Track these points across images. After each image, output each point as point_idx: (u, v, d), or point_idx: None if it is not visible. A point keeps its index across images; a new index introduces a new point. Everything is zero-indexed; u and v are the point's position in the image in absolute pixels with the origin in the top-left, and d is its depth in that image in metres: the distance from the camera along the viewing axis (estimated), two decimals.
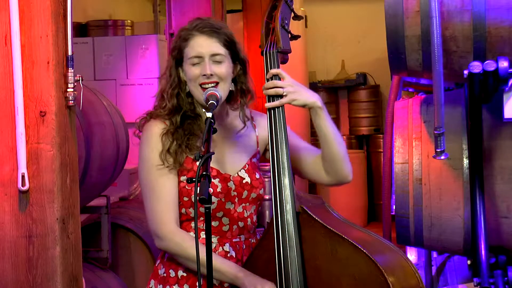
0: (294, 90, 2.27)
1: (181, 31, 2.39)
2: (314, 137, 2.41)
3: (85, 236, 2.97)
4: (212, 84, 2.31)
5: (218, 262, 2.25)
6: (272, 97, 2.29)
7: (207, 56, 2.32)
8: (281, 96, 2.27)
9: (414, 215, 3.47)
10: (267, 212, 4.90)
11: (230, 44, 2.36)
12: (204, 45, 2.33)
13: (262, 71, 2.34)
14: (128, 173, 4.99)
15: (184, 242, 2.29)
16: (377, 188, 8.34)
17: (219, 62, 2.33)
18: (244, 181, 2.39)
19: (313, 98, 2.28)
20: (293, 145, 2.40)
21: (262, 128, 2.48)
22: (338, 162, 2.35)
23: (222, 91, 2.31)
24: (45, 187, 2.57)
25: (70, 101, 2.60)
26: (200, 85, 2.32)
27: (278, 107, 2.28)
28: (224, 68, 2.33)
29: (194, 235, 1.99)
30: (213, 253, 2.24)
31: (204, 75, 2.30)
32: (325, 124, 2.30)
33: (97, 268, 3.98)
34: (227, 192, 2.36)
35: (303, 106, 2.28)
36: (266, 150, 2.50)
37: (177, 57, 2.38)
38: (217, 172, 2.36)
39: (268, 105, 2.28)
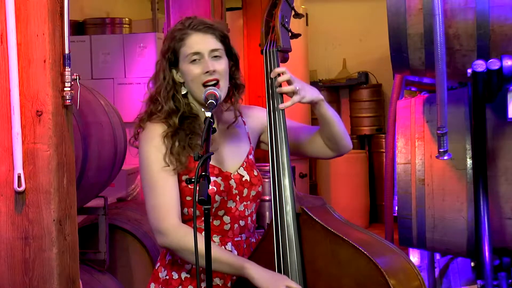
0: (302, 87, 2.28)
1: (173, 32, 2.37)
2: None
3: (82, 238, 2.96)
4: (214, 82, 2.29)
5: (223, 253, 2.22)
6: (275, 98, 2.29)
7: (206, 52, 2.31)
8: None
9: (416, 216, 3.45)
10: (267, 213, 4.87)
11: (224, 39, 2.37)
12: (201, 42, 2.32)
13: (262, 71, 2.33)
14: (126, 173, 4.95)
15: (188, 236, 2.21)
16: (379, 189, 8.29)
17: (218, 58, 2.33)
18: (243, 179, 2.39)
19: (316, 93, 2.33)
20: (295, 129, 2.47)
21: (251, 120, 2.49)
22: (341, 140, 2.46)
23: (223, 88, 2.32)
24: (41, 188, 2.56)
25: (67, 101, 2.59)
26: (203, 84, 2.30)
27: (278, 108, 2.29)
28: (224, 64, 2.33)
29: (193, 235, 1.95)
30: (217, 246, 2.27)
31: (207, 72, 2.29)
32: (328, 112, 2.38)
33: (95, 270, 3.96)
34: (229, 191, 2.35)
35: (310, 102, 2.31)
36: (260, 141, 2.52)
37: (171, 59, 2.35)
38: (219, 171, 2.34)
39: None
